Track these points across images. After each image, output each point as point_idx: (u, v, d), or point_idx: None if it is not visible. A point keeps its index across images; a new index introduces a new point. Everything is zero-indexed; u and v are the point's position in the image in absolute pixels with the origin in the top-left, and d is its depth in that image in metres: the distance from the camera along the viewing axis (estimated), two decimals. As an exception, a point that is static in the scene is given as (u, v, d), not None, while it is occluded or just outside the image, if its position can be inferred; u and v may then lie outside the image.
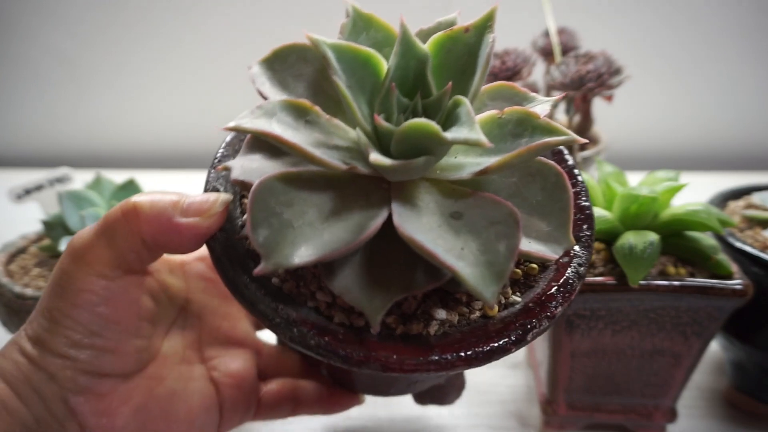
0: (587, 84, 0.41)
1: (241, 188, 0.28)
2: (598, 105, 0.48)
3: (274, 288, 0.25)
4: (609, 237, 0.36)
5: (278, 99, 0.24)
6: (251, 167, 0.25)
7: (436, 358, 0.23)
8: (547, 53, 0.57)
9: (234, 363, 0.32)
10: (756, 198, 0.44)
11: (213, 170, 0.28)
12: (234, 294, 0.25)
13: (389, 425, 0.43)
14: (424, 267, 0.23)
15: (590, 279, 0.34)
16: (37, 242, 0.47)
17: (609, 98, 0.45)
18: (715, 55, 0.89)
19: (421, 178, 0.25)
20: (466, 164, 0.24)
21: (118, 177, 0.48)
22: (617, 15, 0.86)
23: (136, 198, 0.26)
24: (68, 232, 0.43)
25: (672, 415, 0.40)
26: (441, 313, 0.25)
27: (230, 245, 0.26)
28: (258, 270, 0.22)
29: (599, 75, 0.41)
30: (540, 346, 0.42)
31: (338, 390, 0.35)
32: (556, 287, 0.25)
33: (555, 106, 0.46)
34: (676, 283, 0.34)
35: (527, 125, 0.24)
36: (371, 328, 0.23)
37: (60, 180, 0.46)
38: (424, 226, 0.22)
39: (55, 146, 0.98)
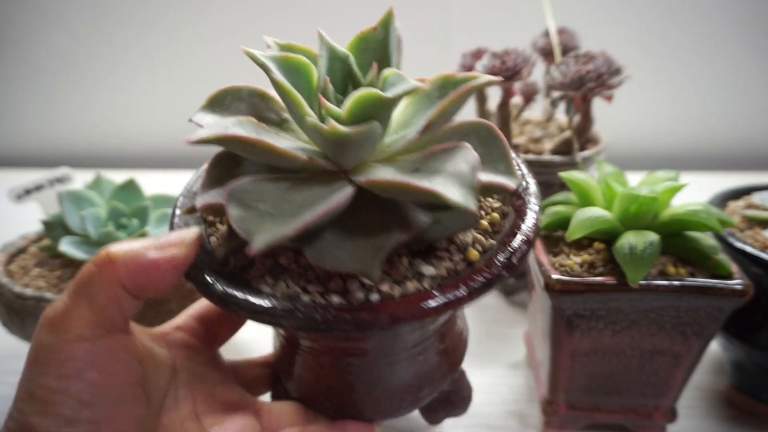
0: (587, 84, 0.41)
1: (208, 214, 0.30)
2: (597, 105, 0.48)
3: (268, 293, 0.26)
4: (609, 237, 0.36)
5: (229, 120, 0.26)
6: (216, 194, 0.27)
7: (443, 299, 0.25)
8: (547, 53, 0.57)
9: (234, 428, 0.31)
10: (756, 198, 0.44)
11: (177, 217, 0.30)
12: (230, 308, 0.26)
13: (388, 424, 0.43)
14: (396, 221, 0.26)
15: (590, 279, 0.34)
16: (37, 242, 0.47)
17: (609, 98, 0.45)
18: (714, 56, 0.89)
19: (369, 161, 0.27)
20: (407, 132, 0.28)
21: (118, 177, 0.48)
22: (617, 15, 0.87)
23: (107, 249, 0.26)
24: (68, 232, 0.43)
25: (672, 415, 0.40)
26: (430, 270, 0.26)
27: (213, 270, 0.27)
28: (252, 249, 0.23)
29: (599, 75, 0.41)
30: (540, 346, 0.42)
31: (349, 422, 0.33)
32: (522, 223, 0.28)
33: (555, 106, 0.45)
34: (676, 283, 0.34)
35: (449, 83, 0.27)
36: (372, 280, 0.25)
37: (60, 180, 0.46)
38: (393, 175, 0.25)
39: (55, 146, 0.98)
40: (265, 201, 0.25)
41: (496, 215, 0.30)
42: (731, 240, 0.39)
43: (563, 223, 0.38)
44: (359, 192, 0.25)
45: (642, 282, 0.33)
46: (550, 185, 0.52)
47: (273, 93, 0.29)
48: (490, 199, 0.31)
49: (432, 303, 0.25)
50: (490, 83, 0.27)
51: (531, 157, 0.50)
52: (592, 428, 0.42)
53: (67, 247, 0.41)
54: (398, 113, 0.30)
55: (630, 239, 0.34)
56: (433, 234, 0.27)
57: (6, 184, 0.44)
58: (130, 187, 0.46)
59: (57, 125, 0.96)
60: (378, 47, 0.28)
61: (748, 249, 0.38)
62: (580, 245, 0.38)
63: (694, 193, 0.40)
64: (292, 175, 0.26)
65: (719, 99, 0.92)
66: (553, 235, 0.39)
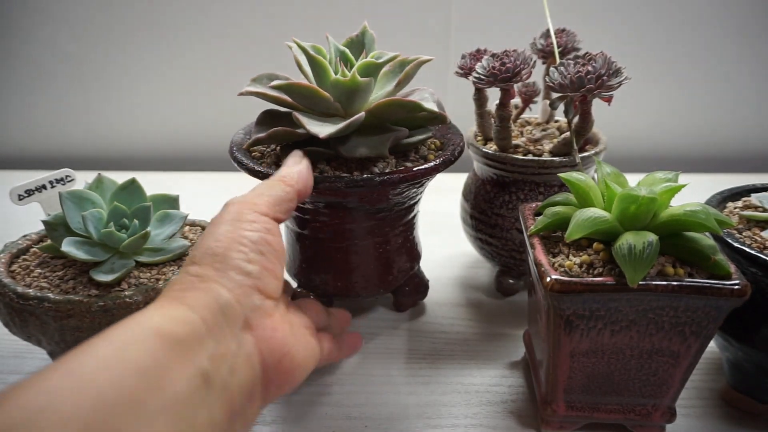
0: (586, 85, 0.42)
1: (257, 144, 0.45)
2: (597, 106, 0.48)
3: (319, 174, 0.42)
4: (608, 237, 0.36)
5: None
6: (263, 132, 0.43)
7: (426, 165, 0.43)
8: (546, 54, 0.57)
9: (300, 317, 0.41)
10: (754, 199, 0.44)
11: (237, 152, 0.46)
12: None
13: (388, 424, 0.43)
14: (389, 131, 0.43)
15: (589, 279, 0.34)
16: (38, 243, 0.47)
17: (608, 100, 0.45)
18: (713, 57, 0.89)
19: (364, 108, 0.43)
20: (384, 89, 0.45)
21: (119, 179, 0.48)
22: (617, 16, 0.87)
23: (286, 171, 0.39)
24: (70, 232, 0.43)
25: (671, 415, 0.40)
26: (409, 164, 0.44)
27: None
28: (322, 135, 0.39)
29: (599, 76, 0.41)
30: (539, 346, 0.42)
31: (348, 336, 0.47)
32: (454, 142, 0.48)
33: (554, 107, 0.46)
34: (674, 283, 0.34)
35: (405, 63, 0.45)
36: (385, 156, 0.43)
37: (62, 180, 0.46)
38: (390, 98, 0.43)
39: (57, 148, 0.98)
40: (316, 119, 0.41)
41: (437, 141, 0.49)
42: (730, 240, 0.39)
43: (562, 223, 0.38)
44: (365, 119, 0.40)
45: (641, 282, 0.33)
46: (549, 186, 0.52)
47: (283, 74, 0.45)
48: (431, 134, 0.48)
49: (421, 167, 0.43)
50: (428, 60, 0.44)
51: (530, 158, 0.51)
52: (591, 428, 0.42)
53: (68, 247, 0.42)
54: (376, 84, 0.44)
55: (629, 240, 0.34)
56: (409, 142, 0.45)
57: (8, 184, 0.44)
58: (132, 188, 0.46)
59: (59, 127, 0.96)
60: (360, 44, 0.46)
61: (747, 249, 0.38)
62: (579, 246, 0.38)
63: (693, 193, 0.41)
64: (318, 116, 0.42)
65: (718, 100, 0.93)
66: (552, 236, 0.40)
